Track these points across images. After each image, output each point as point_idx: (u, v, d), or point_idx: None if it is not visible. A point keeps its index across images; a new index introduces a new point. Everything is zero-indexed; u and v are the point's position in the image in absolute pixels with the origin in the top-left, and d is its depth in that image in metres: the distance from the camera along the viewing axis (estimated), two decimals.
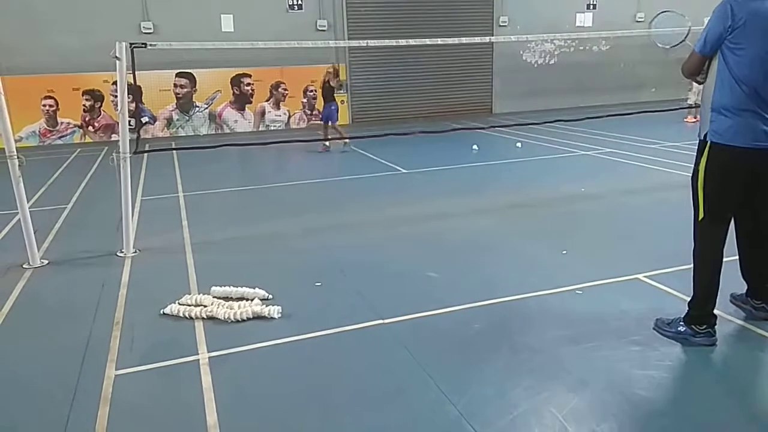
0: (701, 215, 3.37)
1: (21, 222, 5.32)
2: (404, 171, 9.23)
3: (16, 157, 5.11)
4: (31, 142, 14.04)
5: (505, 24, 17.19)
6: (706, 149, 3.29)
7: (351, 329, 3.83)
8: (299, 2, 15.43)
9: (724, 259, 3.43)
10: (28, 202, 5.42)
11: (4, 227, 6.52)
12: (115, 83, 5.67)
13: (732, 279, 3.67)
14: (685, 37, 3.90)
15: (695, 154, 3.39)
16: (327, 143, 11.47)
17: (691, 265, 3.50)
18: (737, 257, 3.67)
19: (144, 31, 14.15)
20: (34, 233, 5.38)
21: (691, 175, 3.44)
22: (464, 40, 7.31)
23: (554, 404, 2.93)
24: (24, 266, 5.26)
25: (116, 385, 3.27)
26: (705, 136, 3.30)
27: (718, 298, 3.46)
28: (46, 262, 5.39)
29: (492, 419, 2.83)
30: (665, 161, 8.98)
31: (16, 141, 5.34)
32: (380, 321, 3.92)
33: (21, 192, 5.24)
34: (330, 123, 11.65)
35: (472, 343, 3.61)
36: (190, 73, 14.84)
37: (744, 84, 3.13)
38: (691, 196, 3.43)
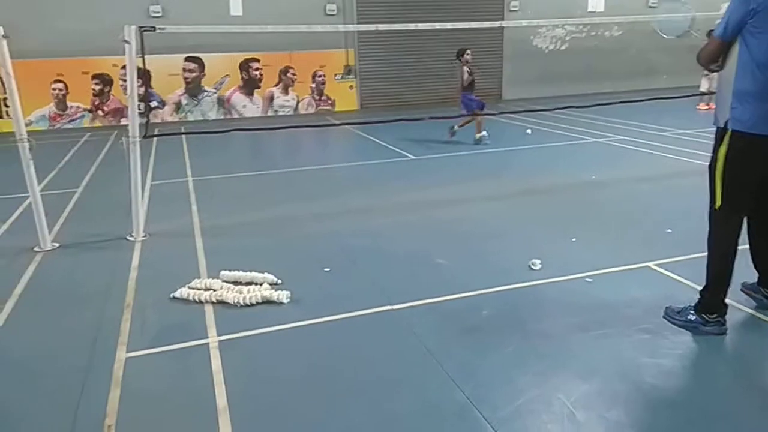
0: (718, 204, 3.31)
1: (32, 205, 5.35)
2: (413, 157, 9.20)
3: (26, 140, 5.13)
4: (41, 126, 14.08)
5: (516, 9, 17.01)
6: (727, 137, 3.22)
7: (360, 314, 3.84)
8: None
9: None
10: (38, 186, 5.43)
11: (15, 211, 6.55)
12: (124, 67, 5.66)
13: (743, 267, 3.63)
14: (690, 27, 3.77)
15: (713, 142, 3.33)
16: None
17: (702, 254, 3.48)
18: (749, 246, 3.63)
19: (153, 15, 14.10)
20: (45, 216, 5.40)
21: (708, 163, 3.36)
22: (474, 24, 7.21)
23: (563, 391, 2.93)
24: (35, 249, 5.29)
25: (127, 368, 3.30)
26: (725, 123, 3.22)
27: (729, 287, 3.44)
28: (56, 245, 5.43)
29: (500, 405, 2.83)
30: (677, 149, 8.90)
31: (26, 125, 5.35)
32: (389, 306, 3.92)
33: (32, 175, 5.26)
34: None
35: (480, 329, 3.61)
36: (198, 57, 14.79)
37: (767, 69, 3.05)
38: (707, 185, 3.36)
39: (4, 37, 4.86)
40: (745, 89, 3.13)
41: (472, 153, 9.37)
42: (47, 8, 13.48)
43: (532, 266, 4.44)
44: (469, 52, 10.33)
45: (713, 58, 3.27)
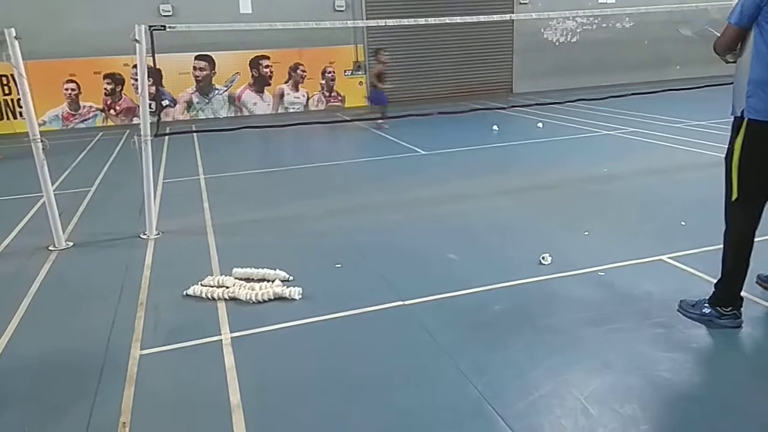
0: (735, 195, 3.26)
1: (46, 205, 5.40)
2: (423, 152, 9.18)
3: (39, 140, 5.18)
4: (55, 126, 14.21)
5: (526, 2, 16.89)
6: (743, 126, 3.16)
7: (371, 310, 3.84)
8: None
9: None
10: (52, 185, 5.49)
11: (29, 210, 6.62)
12: (135, 66, 5.70)
13: (759, 260, 3.59)
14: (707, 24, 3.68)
15: (729, 132, 3.28)
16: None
17: (716, 246, 3.45)
18: (765, 238, 3.59)
19: (163, 14, 14.17)
20: (59, 216, 5.46)
21: (724, 154, 3.31)
22: (483, 18, 7.17)
23: (576, 386, 2.92)
24: (49, 248, 5.35)
25: (141, 365, 3.33)
26: (741, 112, 3.17)
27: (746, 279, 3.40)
28: (71, 244, 5.48)
29: (513, 401, 2.83)
30: (690, 140, 8.81)
31: (39, 125, 5.41)
32: (400, 302, 3.92)
33: (45, 175, 5.32)
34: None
35: (493, 324, 3.60)
36: (209, 55, 14.84)
37: None
38: (723, 176, 3.31)
39: (17, 38, 4.90)
40: (760, 78, 3.07)
41: (483, 147, 9.33)
42: (58, 9, 13.58)
43: (543, 261, 4.42)
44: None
45: (730, 45, 3.18)
